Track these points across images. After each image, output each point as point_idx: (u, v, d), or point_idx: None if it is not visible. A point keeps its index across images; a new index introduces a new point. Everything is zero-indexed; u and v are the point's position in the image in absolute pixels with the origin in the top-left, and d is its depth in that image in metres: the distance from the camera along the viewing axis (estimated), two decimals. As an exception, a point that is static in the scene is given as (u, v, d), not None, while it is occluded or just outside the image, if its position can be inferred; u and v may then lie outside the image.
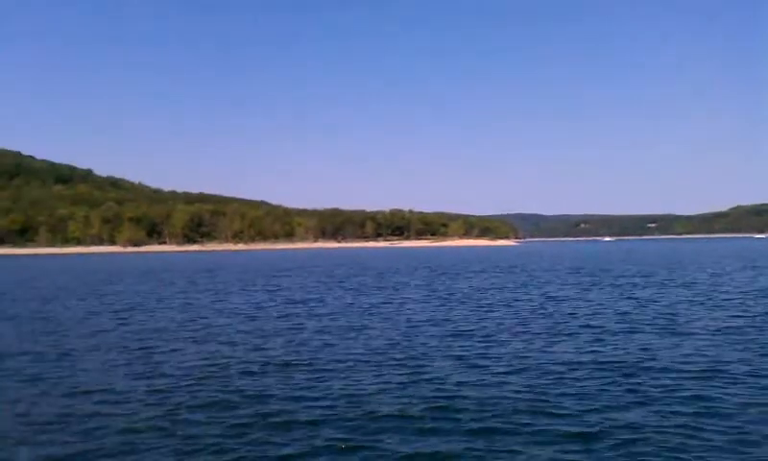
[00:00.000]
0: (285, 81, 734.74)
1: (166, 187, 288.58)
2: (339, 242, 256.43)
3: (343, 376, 12.35)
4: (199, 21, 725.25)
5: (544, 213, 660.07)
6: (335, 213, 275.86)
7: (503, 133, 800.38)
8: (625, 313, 21.42)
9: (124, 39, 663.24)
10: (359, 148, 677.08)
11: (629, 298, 26.85)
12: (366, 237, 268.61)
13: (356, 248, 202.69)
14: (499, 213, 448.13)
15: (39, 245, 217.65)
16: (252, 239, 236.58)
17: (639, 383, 11.33)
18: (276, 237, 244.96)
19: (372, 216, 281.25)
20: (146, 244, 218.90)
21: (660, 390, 10.82)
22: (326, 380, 11.97)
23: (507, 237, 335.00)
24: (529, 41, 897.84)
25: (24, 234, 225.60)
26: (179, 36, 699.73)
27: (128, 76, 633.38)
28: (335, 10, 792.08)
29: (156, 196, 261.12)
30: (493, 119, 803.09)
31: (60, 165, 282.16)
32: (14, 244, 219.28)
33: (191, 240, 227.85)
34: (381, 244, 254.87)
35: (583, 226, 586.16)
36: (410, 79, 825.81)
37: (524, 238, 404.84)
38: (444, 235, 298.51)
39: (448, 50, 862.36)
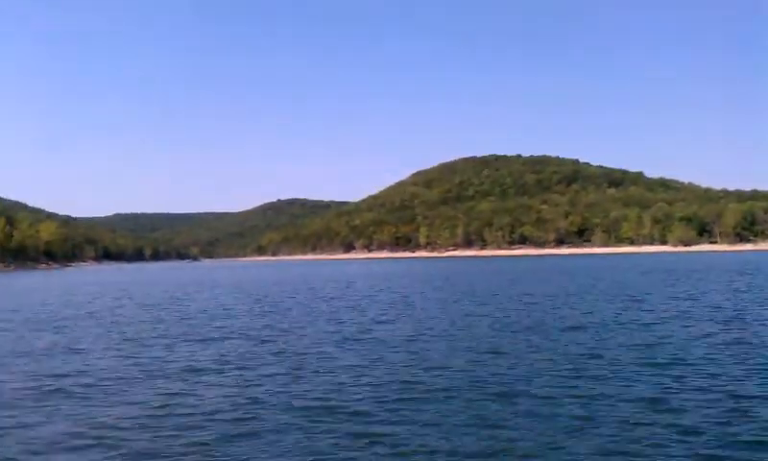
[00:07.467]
0: None
1: (717, 186, 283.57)
2: None
3: None
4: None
5: None
6: None
7: None
8: None
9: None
10: None
11: None
12: None
13: None
14: None
15: (594, 245, 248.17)
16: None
17: None
18: None
19: None
20: (696, 243, 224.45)
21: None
22: None
23: None
24: None
25: (581, 235, 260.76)
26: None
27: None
28: None
29: (707, 195, 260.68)
30: None
31: (612, 169, 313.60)
32: (572, 244, 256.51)
33: (743, 239, 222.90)
34: None
35: None
36: None
37: None
38: None
39: None
